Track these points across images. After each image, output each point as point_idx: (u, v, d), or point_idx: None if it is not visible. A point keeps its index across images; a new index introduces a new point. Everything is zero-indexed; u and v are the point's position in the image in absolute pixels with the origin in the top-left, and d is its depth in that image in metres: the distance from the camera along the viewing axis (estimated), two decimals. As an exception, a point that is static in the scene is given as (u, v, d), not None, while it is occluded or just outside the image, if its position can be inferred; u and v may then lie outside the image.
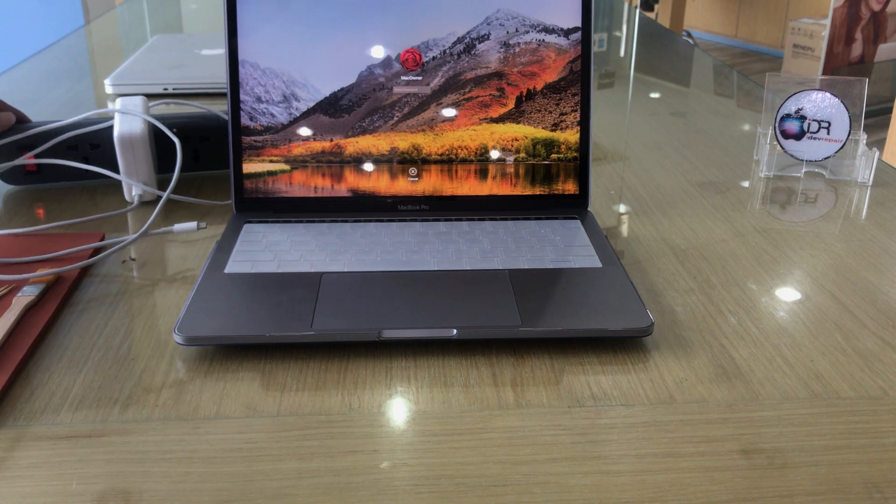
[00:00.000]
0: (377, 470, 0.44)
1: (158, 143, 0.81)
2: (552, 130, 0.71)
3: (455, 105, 0.71)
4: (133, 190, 0.77)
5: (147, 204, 0.78)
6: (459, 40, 0.71)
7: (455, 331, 0.54)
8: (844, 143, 0.85)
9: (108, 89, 1.17)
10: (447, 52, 0.71)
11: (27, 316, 0.57)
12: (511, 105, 0.71)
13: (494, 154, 0.71)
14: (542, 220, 0.70)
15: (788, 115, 0.86)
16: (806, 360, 0.54)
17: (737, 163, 0.92)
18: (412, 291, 0.58)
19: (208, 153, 0.84)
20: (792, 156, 0.87)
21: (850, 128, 0.84)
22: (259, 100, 0.70)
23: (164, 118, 0.81)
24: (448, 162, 0.71)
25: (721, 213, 0.78)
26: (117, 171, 0.77)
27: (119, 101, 0.78)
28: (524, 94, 0.71)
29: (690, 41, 2.94)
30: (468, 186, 0.72)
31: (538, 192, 0.72)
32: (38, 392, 0.50)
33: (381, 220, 0.70)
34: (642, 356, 0.54)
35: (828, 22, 3.49)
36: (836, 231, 0.74)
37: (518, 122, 0.71)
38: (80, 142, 0.79)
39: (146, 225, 0.68)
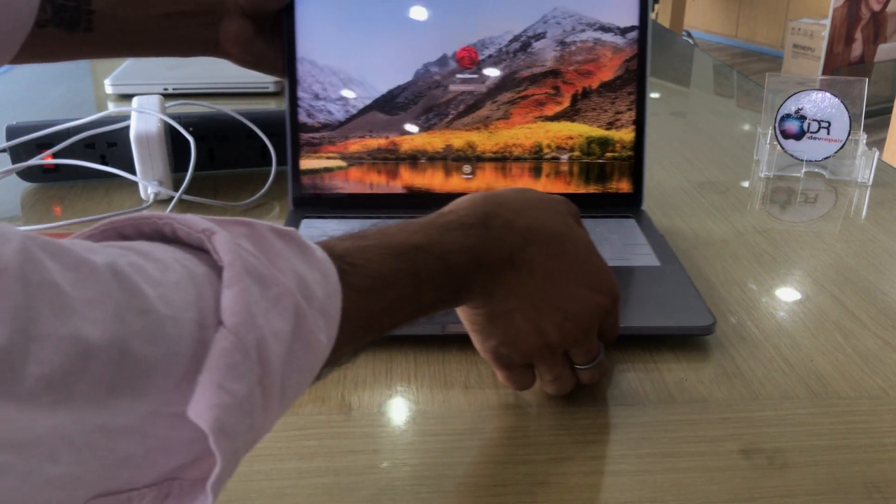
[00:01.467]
0: (377, 470, 0.44)
1: (175, 142, 0.81)
2: (607, 129, 0.71)
3: (510, 103, 0.71)
4: (148, 188, 0.77)
5: (162, 202, 0.78)
6: (515, 38, 0.71)
7: None
8: (844, 143, 0.85)
9: (108, 89, 1.17)
10: (503, 50, 0.71)
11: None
12: (566, 103, 0.71)
13: (549, 152, 0.72)
14: (596, 219, 0.70)
15: (788, 115, 0.86)
16: (806, 360, 0.54)
17: (737, 163, 0.92)
18: None
19: (224, 152, 0.85)
20: (792, 156, 0.87)
21: (850, 128, 0.84)
22: (317, 97, 0.71)
23: (181, 117, 0.82)
24: (502, 160, 0.72)
25: (721, 213, 0.78)
26: (133, 168, 0.78)
27: (136, 99, 0.79)
28: (579, 92, 0.71)
29: (690, 41, 2.94)
30: (522, 184, 0.72)
31: (592, 191, 0.72)
32: (39, 392, 0.50)
33: None
34: (642, 356, 0.54)
35: (828, 22, 3.49)
36: (836, 231, 0.74)
37: (573, 121, 0.72)
38: (97, 140, 0.81)
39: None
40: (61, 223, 0.70)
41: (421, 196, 0.72)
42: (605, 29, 0.71)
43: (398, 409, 0.49)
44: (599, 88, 0.71)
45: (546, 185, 0.72)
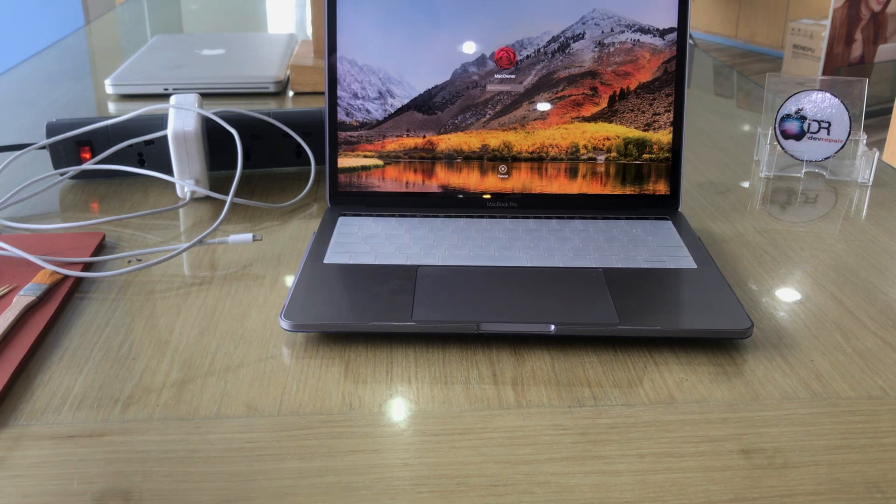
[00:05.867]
0: (378, 469, 0.44)
1: (211, 141, 0.82)
2: (644, 130, 0.72)
3: (547, 103, 0.72)
4: (185, 187, 0.78)
5: (198, 201, 0.79)
6: (554, 39, 0.71)
7: (553, 326, 0.54)
8: (844, 144, 0.85)
9: (109, 89, 1.17)
10: (541, 50, 0.71)
11: (28, 315, 0.57)
12: (604, 104, 0.72)
13: (585, 153, 0.72)
14: (632, 220, 0.70)
15: (788, 116, 0.86)
16: (806, 360, 0.54)
17: (737, 163, 0.92)
18: (507, 286, 0.59)
19: (259, 151, 0.85)
20: (792, 156, 0.87)
21: (850, 128, 0.84)
22: (355, 96, 0.71)
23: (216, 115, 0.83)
24: (538, 160, 0.72)
25: (721, 213, 0.78)
26: (171, 164, 0.78)
27: (173, 98, 0.79)
28: (617, 93, 0.71)
29: (690, 41, 2.94)
30: (558, 185, 0.72)
31: (628, 192, 0.72)
32: (39, 391, 0.50)
33: (471, 216, 0.71)
34: (642, 356, 0.54)
35: (828, 22, 3.49)
36: (836, 231, 0.74)
37: (610, 122, 0.72)
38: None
39: (190, 243, 0.68)
40: (98, 220, 0.71)
41: (456, 195, 0.72)
42: (643, 30, 0.71)
43: (398, 409, 0.49)
44: (637, 90, 0.71)
45: (582, 185, 0.72)
